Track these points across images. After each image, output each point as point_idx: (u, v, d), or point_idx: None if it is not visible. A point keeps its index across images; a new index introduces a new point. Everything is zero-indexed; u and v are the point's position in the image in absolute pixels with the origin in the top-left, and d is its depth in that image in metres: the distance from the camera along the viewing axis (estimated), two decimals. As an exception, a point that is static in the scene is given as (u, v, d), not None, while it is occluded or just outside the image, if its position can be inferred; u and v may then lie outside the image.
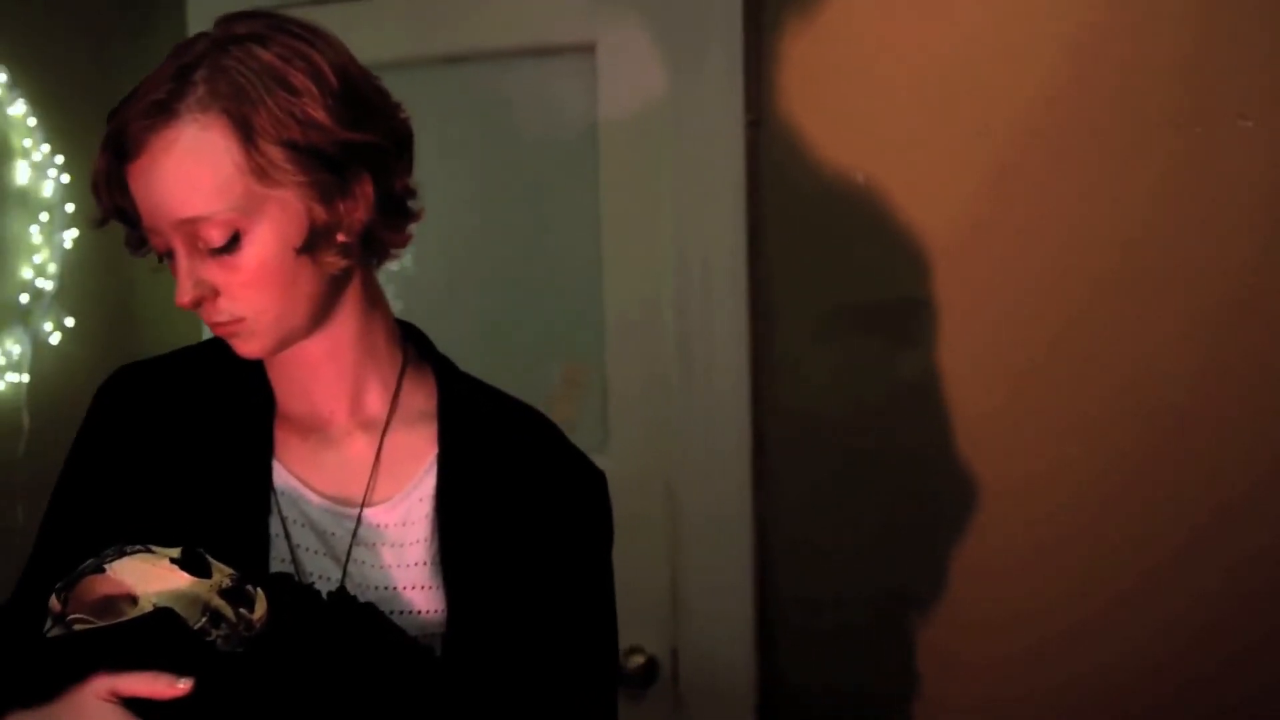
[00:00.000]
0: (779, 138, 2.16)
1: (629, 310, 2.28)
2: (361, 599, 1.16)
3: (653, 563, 2.28)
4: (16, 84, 2.41)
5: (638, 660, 2.27)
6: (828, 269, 2.15)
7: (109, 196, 1.14)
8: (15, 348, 2.35)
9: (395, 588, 1.22)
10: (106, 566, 1.07)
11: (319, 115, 1.11)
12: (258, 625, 1.08)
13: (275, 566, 1.20)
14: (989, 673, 2.07)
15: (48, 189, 2.47)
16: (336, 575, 1.21)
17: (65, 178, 2.50)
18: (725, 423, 2.20)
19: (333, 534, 1.23)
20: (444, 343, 2.30)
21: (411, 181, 1.25)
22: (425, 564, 1.23)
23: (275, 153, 1.10)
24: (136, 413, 1.26)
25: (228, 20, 1.17)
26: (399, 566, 1.23)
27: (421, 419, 1.28)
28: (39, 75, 2.46)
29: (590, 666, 1.25)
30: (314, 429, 1.26)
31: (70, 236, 2.51)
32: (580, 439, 2.28)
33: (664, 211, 2.23)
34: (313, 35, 1.16)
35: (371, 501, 1.24)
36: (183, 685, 1.01)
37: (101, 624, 1.03)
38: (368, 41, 2.41)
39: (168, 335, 2.60)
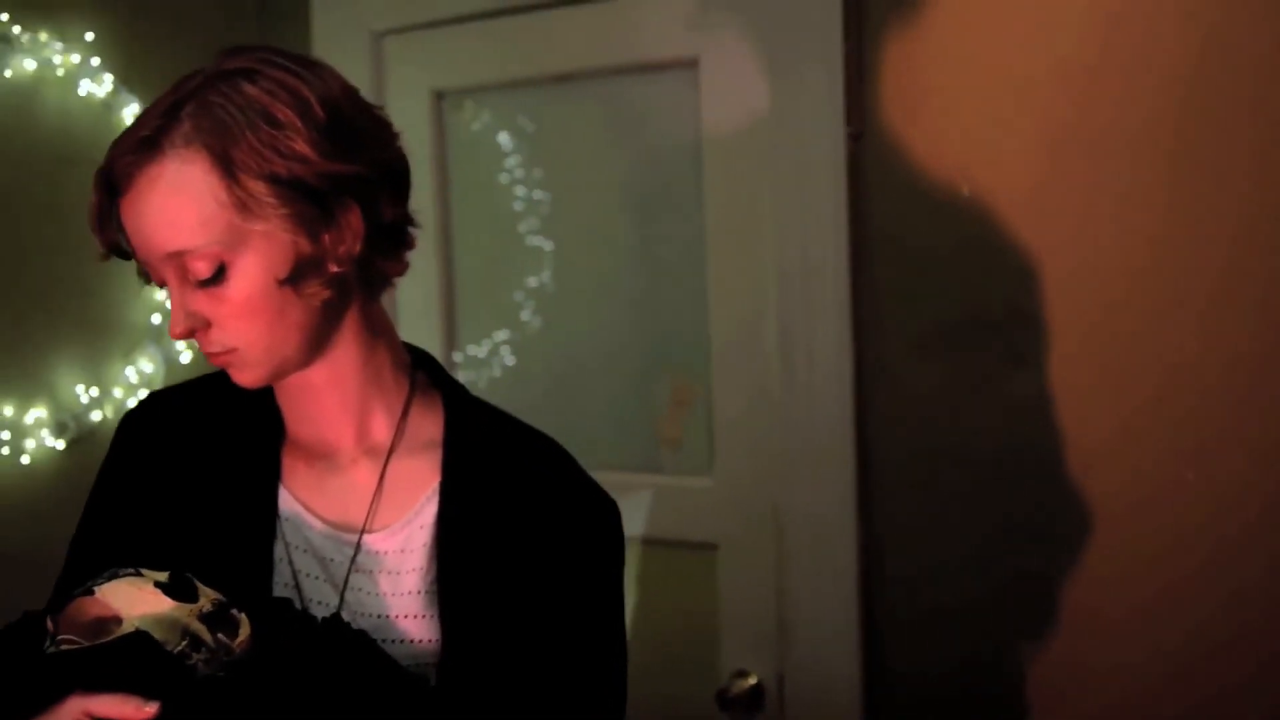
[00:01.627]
0: (881, 149, 2.10)
1: (733, 327, 2.25)
2: (356, 626, 1.16)
3: (759, 585, 2.24)
4: (130, 88, 2.49)
5: (744, 684, 2.24)
6: (932, 283, 2.08)
7: (104, 231, 1.17)
8: (148, 366, 2.44)
9: (390, 616, 1.22)
10: (96, 589, 1.09)
11: (302, 148, 1.12)
12: (238, 650, 1.09)
13: (279, 591, 1.22)
14: (1098, 695, 1.97)
15: (180, 214, 2.55)
16: (335, 601, 1.21)
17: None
18: (829, 443, 2.15)
19: (333, 560, 1.24)
20: (555, 360, 2.32)
21: (411, 210, 1.25)
22: (420, 593, 1.23)
23: (257, 186, 1.11)
24: (155, 439, 1.31)
25: (223, 55, 1.18)
26: (394, 595, 1.23)
27: (427, 447, 1.28)
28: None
29: (587, 700, 1.22)
30: (321, 455, 1.28)
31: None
32: (685, 460, 2.30)
33: (766, 227, 2.19)
34: (305, 69, 1.17)
35: (372, 528, 1.25)
36: (149, 709, 1.02)
37: (85, 645, 1.06)
38: (478, 63, 2.47)
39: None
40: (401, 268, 1.26)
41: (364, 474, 1.27)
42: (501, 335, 2.56)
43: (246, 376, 1.20)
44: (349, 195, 1.15)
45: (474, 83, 2.52)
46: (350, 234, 1.16)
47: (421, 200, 2.51)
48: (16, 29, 2.30)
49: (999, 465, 2.04)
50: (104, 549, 1.26)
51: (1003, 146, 2.01)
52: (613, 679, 1.25)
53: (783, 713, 2.23)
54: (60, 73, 2.35)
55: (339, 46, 2.60)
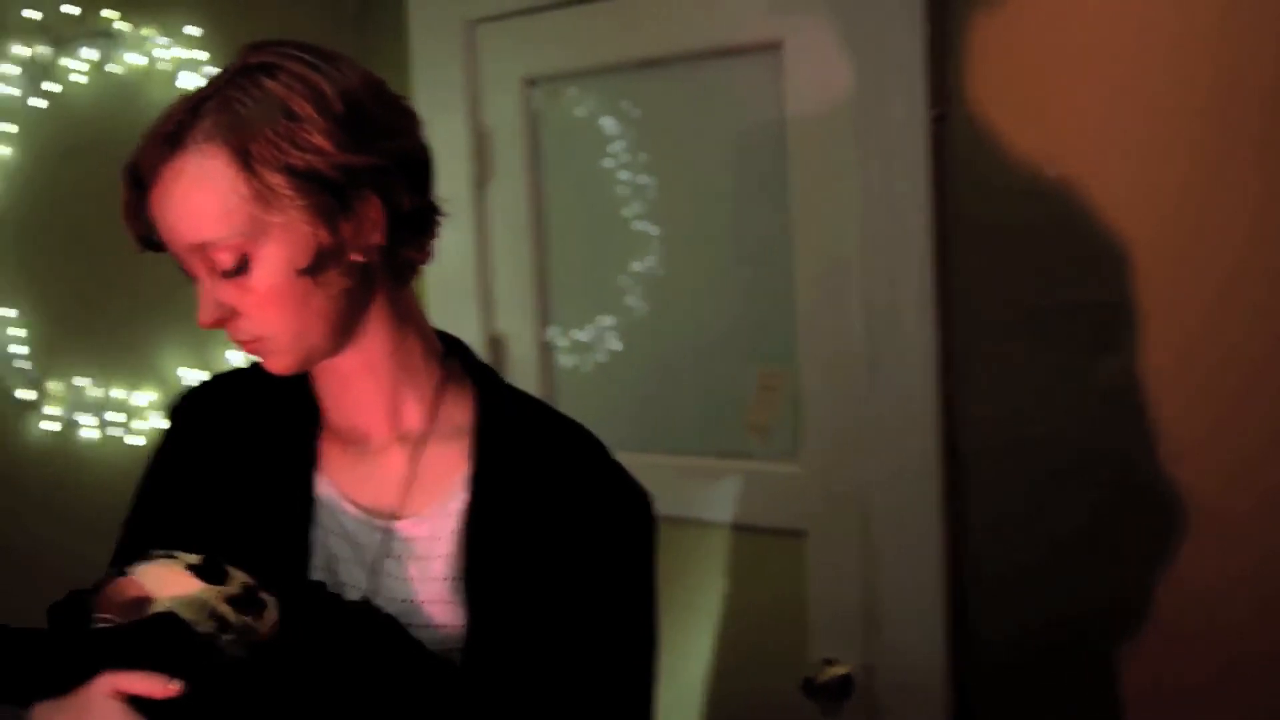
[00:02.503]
0: (966, 131, 2.05)
1: (818, 313, 2.23)
2: (386, 610, 1.19)
3: (846, 573, 2.22)
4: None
5: (832, 673, 2.22)
6: (1019, 269, 2.03)
7: (134, 224, 1.21)
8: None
9: (417, 601, 1.24)
10: (130, 570, 1.13)
11: (318, 140, 1.14)
12: (264, 632, 1.12)
13: (314, 574, 1.25)
14: (1192, 694, 1.91)
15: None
16: (366, 585, 1.24)
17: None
18: (914, 430, 2.11)
19: (365, 545, 1.26)
20: (654, 345, 2.32)
21: (435, 199, 1.26)
22: (448, 579, 1.24)
23: (275, 178, 1.14)
24: (201, 425, 1.35)
25: (246, 51, 1.21)
26: (422, 580, 1.25)
27: (458, 434, 1.29)
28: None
29: (614, 689, 1.22)
30: (355, 442, 1.30)
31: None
32: (772, 447, 2.28)
33: (850, 211, 2.16)
34: (325, 62, 1.19)
35: (403, 515, 1.27)
36: (173, 686, 1.06)
37: (117, 623, 1.10)
38: (566, 49, 2.48)
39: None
40: (426, 256, 1.27)
41: (396, 460, 1.29)
42: (606, 320, 2.57)
43: (276, 364, 1.23)
44: (367, 186, 1.17)
45: (562, 69, 2.53)
46: (369, 224, 1.18)
47: (513, 185, 2.55)
48: (124, 25, 2.38)
49: (1087, 453, 1.99)
50: (151, 530, 1.31)
51: (1093, 128, 1.95)
52: (640, 668, 1.25)
53: (871, 702, 2.21)
54: (165, 67, 2.43)
55: (434, 35, 2.64)
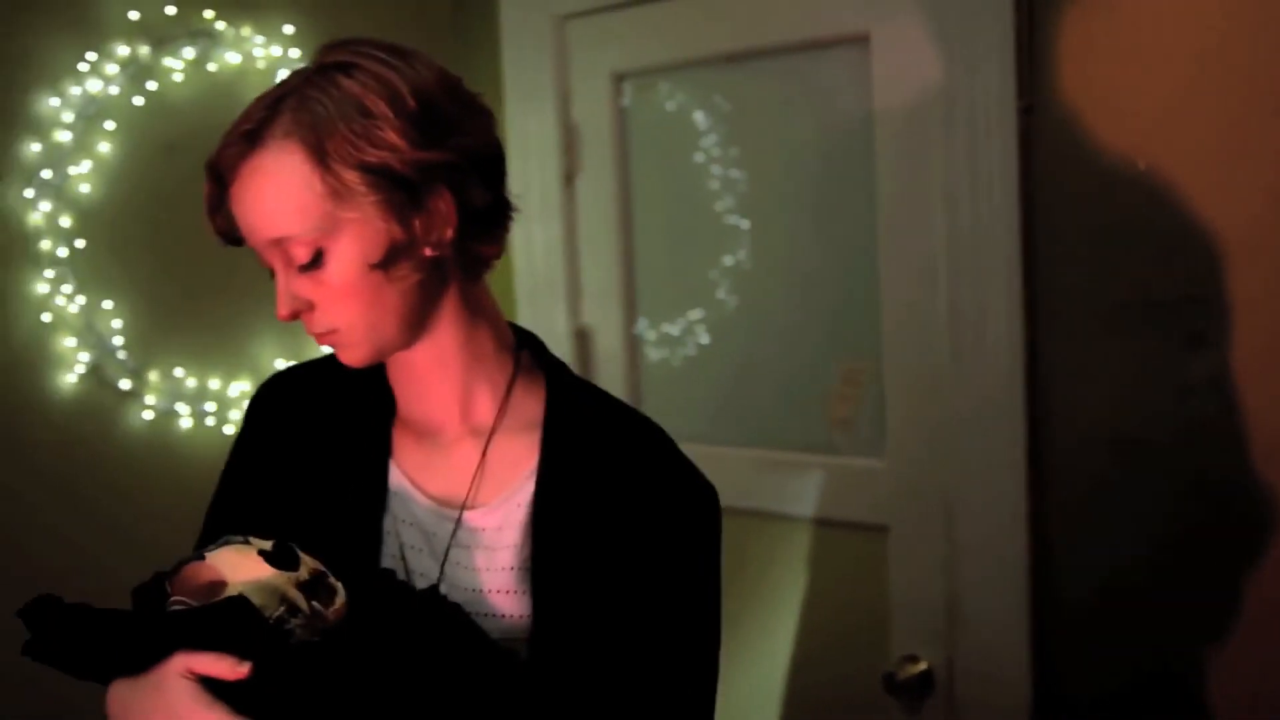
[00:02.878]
0: (1054, 124, 2.02)
1: (903, 308, 2.21)
2: (453, 599, 1.21)
3: (929, 569, 2.20)
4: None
5: (914, 669, 2.21)
6: (1107, 263, 1.99)
7: (215, 219, 1.24)
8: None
9: (484, 590, 1.26)
10: (206, 554, 1.17)
11: (391, 137, 1.16)
12: (332, 618, 1.15)
13: (386, 562, 1.28)
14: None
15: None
16: (436, 574, 1.26)
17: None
18: (999, 426, 2.09)
19: (435, 534, 1.29)
20: (743, 339, 2.33)
21: (507, 194, 1.28)
22: (514, 569, 1.26)
23: (349, 175, 1.16)
24: (279, 414, 1.39)
25: (323, 50, 1.23)
26: (489, 570, 1.26)
27: (528, 427, 1.31)
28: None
29: (675, 680, 1.23)
30: (428, 433, 1.33)
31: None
32: (856, 442, 2.28)
33: (937, 204, 2.14)
34: (400, 59, 1.21)
35: (472, 505, 1.29)
36: (242, 668, 1.09)
37: (192, 606, 1.14)
38: (654, 44, 2.49)
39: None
40: (498, 251, 1.29)
41: (467, 452, 1.31)
42: (694, 314, 2.58)
43: (350, 356, 1.26)
44: (439, 182, 1.19)
45: (650, 64, 2.54)
46: (440, 219, 1.20)
47: (602, 179, 2.57)
48: (221, 24, 2.44)
49: (1176, 451, 1.95)
50: (231, 516, 1.35)
51: (1183, 121, 1.91)
52: (702, 660, 1.26)
53: (951, 699, 2.19)
54: (261, 65, 2.49)
55: (524, 31, 2.66)
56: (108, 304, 2.31)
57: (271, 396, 1.41)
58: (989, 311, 2.09)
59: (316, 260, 1.19)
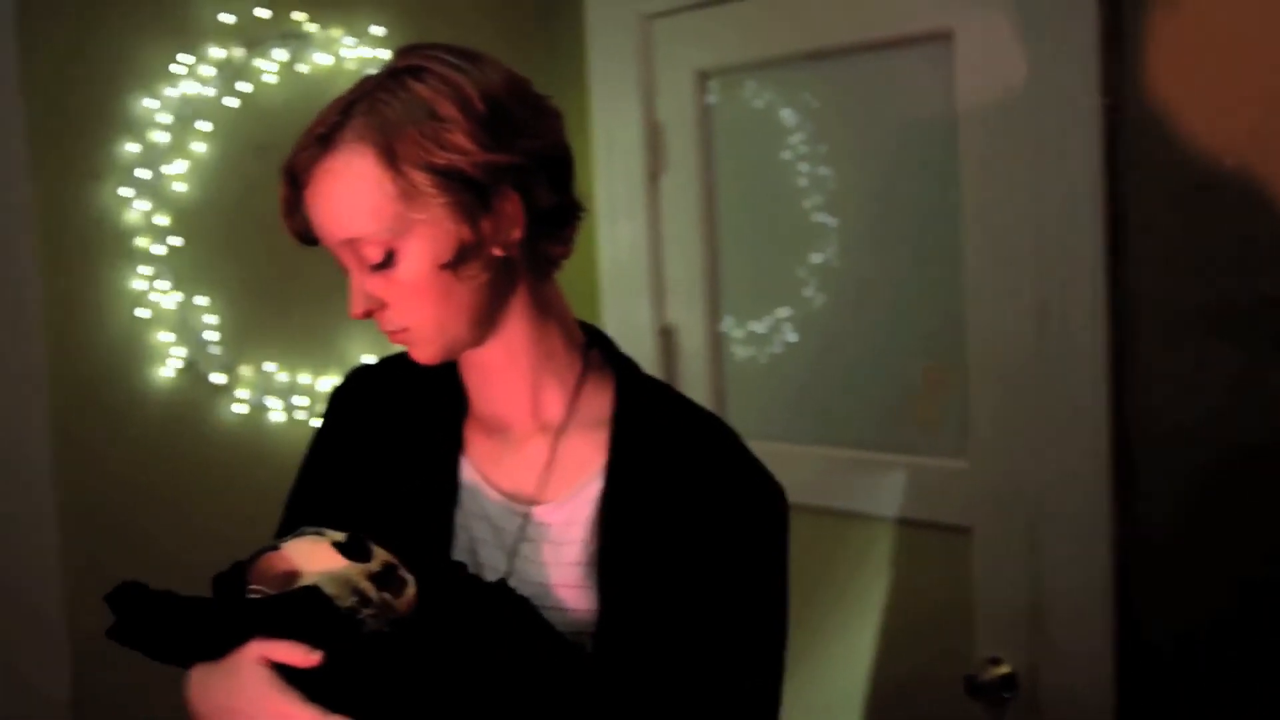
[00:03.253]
0: (1140, 122, 1.99)
1: (987, 307, 2.19)
2: (521, 592, 1.23)
3: (1012, 571, 2.18)
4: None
5: (996, 672, 2.19)
6: (1195, 265, 1.96)
7: (291, 220, 1.27)
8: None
9: (550, 584, 1.28)
10: (281, 545, 1.20)
11: (460, 140, 1.18)
12: (402, 609, 1.17)
13: (457, 555, 1.31)
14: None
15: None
16: (504, 567, 1.28)
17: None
18: (1083, 429, 2.06)
19: (504, 529, 1.31)
20: (815, 339, 2.31)
21: (575, 195, 1.29)
22: (580, 564, 1.28)
23: (419, 177, 1.19)
24: (357, 409, 1.42)
25: (396, 55, 1.26)
26: (556, 564, 1.28)
27: (597, 424, 1.33)
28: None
29: (740, 678, 1.23)
30: (499, 429, 1.35)
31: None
32: (939, 443, 2.27)
33: (1021, 203, 2.12)
34: (469, 63, 1.23)
35: (541, 500, 1.31)
36: (314, 657, 1.12)
37: (267, 595, 1.17)
38: (737, 43, 2.49)
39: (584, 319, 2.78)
40: (566, 250, 1.31)
41: (537, 449, 1.33)
42: (781, 312, 2.57)
43: (420, 353, 1.28)
44: (506, 183, 1.21)
45: (735, 62, 2.54)
46: (508, 220, 1.22)
47: (686, 178, 2.57)
48: (312, 27, 2.49)
49: (1262, 453, 1.91)
50: (309, 507, 1.39)
51: (1272, 116, 1.87)
52: (767, 658, 1.26)
53: (1034, 703, 2.17)
54: (351, 66, 2.53)
55: (611, 30, 2.68)
56: (201, 300, 2.37)
57: (352, 391, 1.44)
58: (1073, 312, 2.06)
59: (388, 260, 1.22)
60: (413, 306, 1.24)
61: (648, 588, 1.24)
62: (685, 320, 2.66)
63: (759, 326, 2.60)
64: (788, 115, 2.50)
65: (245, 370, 2.43)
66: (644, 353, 2.69)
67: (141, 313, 2.32)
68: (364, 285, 1.25)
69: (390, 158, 1.19)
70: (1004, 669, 2.19)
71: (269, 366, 2.45)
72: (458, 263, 1.22)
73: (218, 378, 2.40)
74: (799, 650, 2.50)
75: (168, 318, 2.34)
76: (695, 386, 2.65)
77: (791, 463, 2.49)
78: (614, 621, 1.24)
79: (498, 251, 1.23)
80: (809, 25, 2.41)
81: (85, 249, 2.28)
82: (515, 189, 1.22)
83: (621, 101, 2.68)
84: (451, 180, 1.19)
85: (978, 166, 2.19)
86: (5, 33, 2.17)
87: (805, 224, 2.49)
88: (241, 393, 2.41)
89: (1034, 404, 2.13)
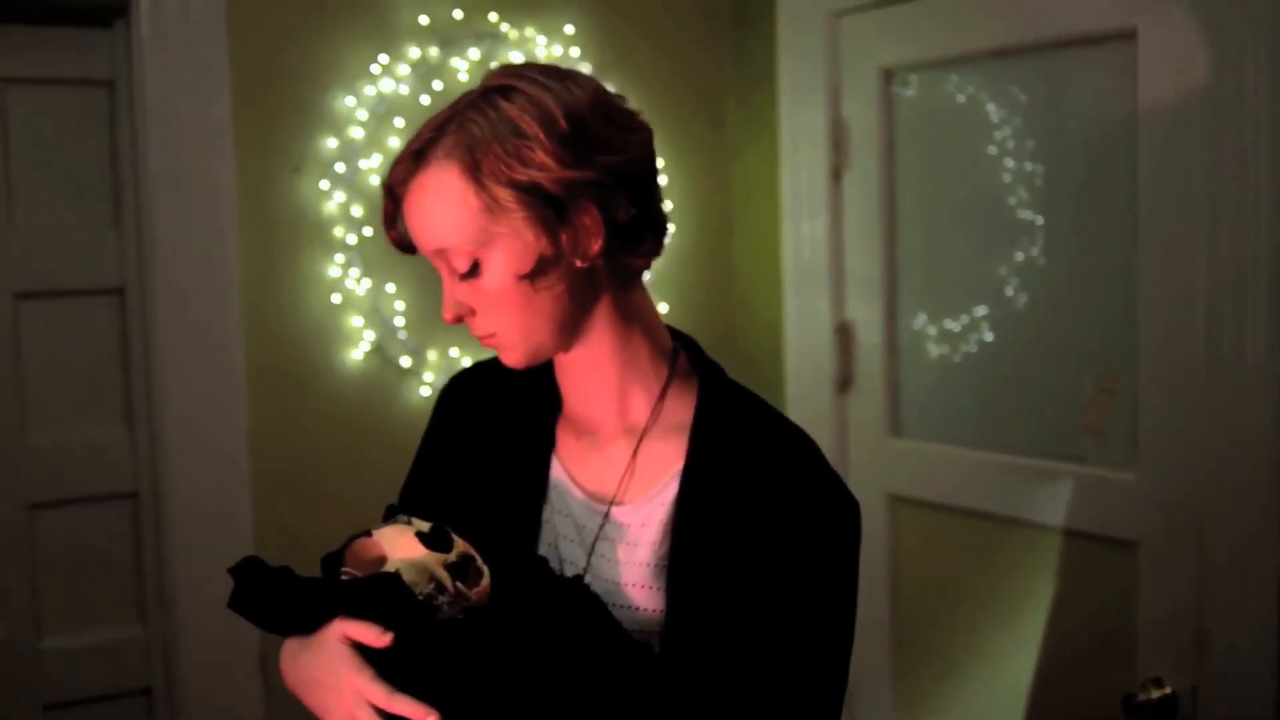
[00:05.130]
0: (1325, 127, 1.89)
1: (1162, 315, 2.12)
2: (595, 589, 1.28)
3: (1177, 591, 2.11)
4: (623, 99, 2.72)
5: (1156, 694, 2.12)
6: (1379, 278, 1.85)
7: (391, 230, 1.35)
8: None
9: (622, 583, 1.33)
10: (373, 532, 1.28)
11: (541, 157, 1.24)
12: (474, 599, 1.24)
13: (542, 549, 1.38)
14: None
15: (650, 189, 2.77)
16: (583, 563, 1.34)
17: (663, 179, 2.79)
18: (1254, 446, 1.98)
19: (585, 526, 1.36)
20: (986, 342, 2.27)
21: (658, 208, 1.33)
22: (651, 565, 1.32)
23: (502, 192, 1.25)
24: (462, 407, 1.50)
25: (489, 74, 1.32)
26: (629, 564, 1.33)
27: (678, 430, 1.36)
28: (641, 91, 2.76)
29: (801, 687, 1.25)
30: (588, 431, 1.40)
31: (668, 231, 2.80)
32: (1107, 452, 2.21)
33: (1200, 209, 2.04)
34: (557, 81, 1.28)
35: (620, 501, 1.35)
36: (386, 638, 1.20)
37: (354, 577, 1.26)
38: (921, 41, 2.47)
39: (761, 316, 2.83)
40: (647, 262, 1.35)
41: (620, 451, 1.38)
42: (978, 311, 2.54)
43: (508, 358, 1.35)
44: (586, 198, 1.26)
45: (918, 60, 2.52)
46: (587, 233, 1.27)
47: (869, 175, 2.57)
48: (505, 26, 2.59)
49: None
50: (415, 497, 1.48)
51: None
52: (829, 669, 1.27)
53: (1195, 727, 2.10)
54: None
55: (800, 27, 2.69)
56: (391, 288, 2.51)
57: (456, 390, 1.52)
58: (1249, 325, 1.98)
59: (474, 270, 1.29)
60: (497, 314, 1.31)
61: (714, 591, 1.27)
62: (864, 317, 2.66)
63: (931, 328, 2.57)
64: (971, 113, 2.46)
65: (431, 354, 2.55)
66: (822, 348, 2.70)
67: (335, 298, 2.47)
68: (454, 293, 1.32)
69: (475, 173, 1.25)
70: (1165, 691, 2.12)
71: (453, 351, 2.57)
72: (537, 274, 1.28)
73: (405, 361, 2.53)
74: (951, 650, 2.49)
75: (359, 303, 2.49)
76: (870, 383, 2.64)
77: (956, 465, 2.49)
78: (679, 623, 1.27)
79: (578, 263, 1.28)
80: (993, 23, 2.37)
81: (285, 237, 2.44)
82: (594, 203, 1.27)
83: (808, 99, 2.69)
84: (532, 195, 1.25)
85: (1156, 168, 2.12)
86: (216, 33, 2.35)
87: (988, 224, 2.45)
88: (427, 376, 2.54)
89: (1205, 418, 2.05)
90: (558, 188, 1.25)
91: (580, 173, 1.25)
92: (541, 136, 1.24)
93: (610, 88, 2.62)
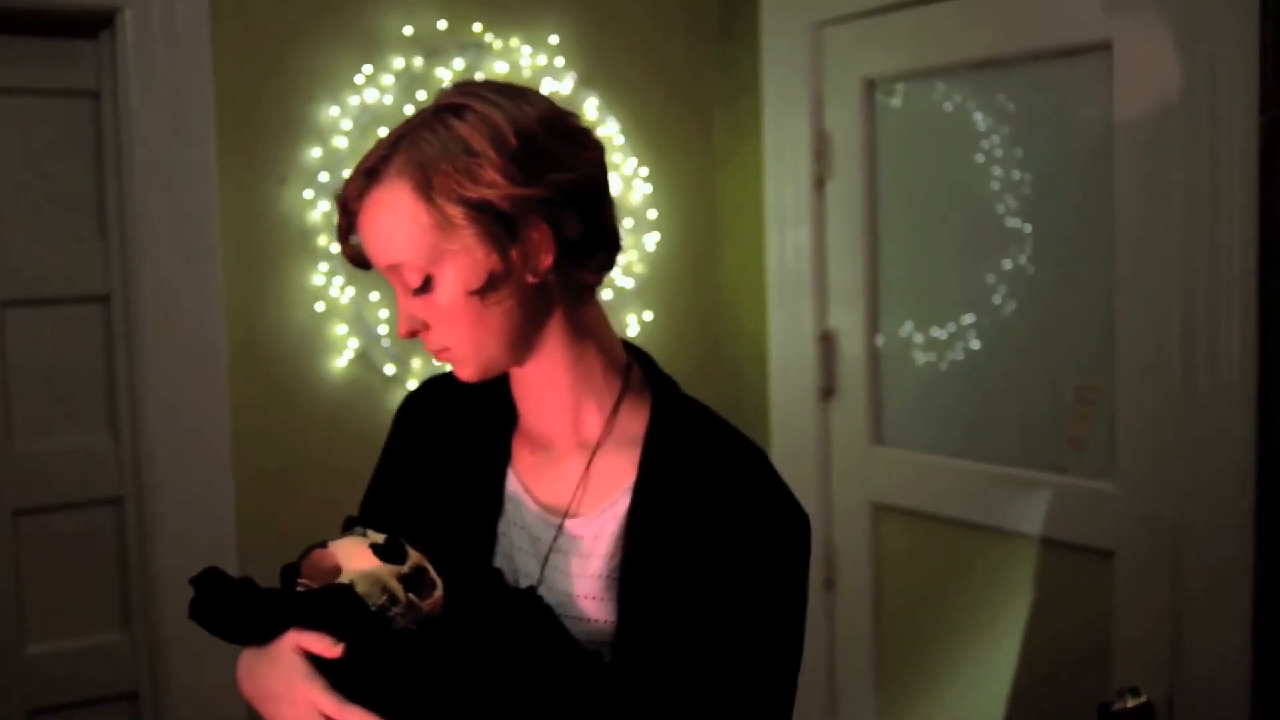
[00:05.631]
0: (1297, 137, 1.90)
1: (1137, 325, 2.13)
2: (548, 600, 1.29)
3: (1153, 600, 2.13)
4: (609, 108, 2.75)
5: (1132, 703, 2.13)
6: (1350, 289, 1.86)
7: (345, 245, 1.36)
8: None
9: (574, 595, 1.34)
10: (329, 543, 1.30)
11: (491, 175, 1.25)
12: (426, 610, 1.25)
13: (498, 561, 1.39)
14: None
15: (635, 197, 2.78)
16: (537, 575, 1.35)
17: (648, 188, 2.80)
18: (1230, 457, 1.99)
19: (539, 539, 1.38)
20: (965, 351, 2.28)
21: (608, 224, 1.34)
22: (603, 576, 1.33)
23: (453, 209, 1.26)
24: (419, 419, 1.52)
25: (441, 93, 1.34)
26: (581, 576, 1.34)
27: (631, 443, 1.37)
28: (626, 101, 2.78)
29: (748, 696, 1.26)
30: (543, 445, 1.42)
31: (653, 240, 2.82)
32: (1086, 463, 2.21)
33: (1175, 219, 2.05)
34: (507, 99, 1.30)
35: (574, 514, 1.37)
36: (337, 649, 1.22)
37: (308, 588, 1.27)
38: (900, 51, 2.48)
39: (745, 324, 2.84)
40: (598, 278, 1.36)
41: (574, 464, 1.39)
42: (967, 319, 2.54)
43: (462, 371, 1.36)
44: (535, 214, 1.27)
45: (899, 70, 2.53)
46: (536, 249, 1.28)
47: (850, 184, 2.58)
48: (489, 36, 2.61)
49: None
50: (373, 508, 1.49)
51: None
52: (777, 681, 1.28)
53: (1171, 736, 2.11)
54: (528, 73, 2.64)
55: (783, 37, 2.71)
56: (374, 296, 2.53)
57: (414, 404, 1.54)
58: (1224, 336, 1.99)
59: (426, 285, 1.30)
60: (450, 328, 1.32)
61: (664, 603, 1.28)
62: (847, 325, 2.67)
63: (918, 336, 2.58)
64: (951, 122, 2.47)
65: (415, 362, 2.57)
66: (805, 356, 2.71)
67: (319, 306, 2.49)
68: (408, 307, 1.33)
69: (427, 190, 1.27)
70: (1141, 700, 2.12)
71: (436, 360, 2.57)
72: (488, 289, 1.29)
73: (389, 369, 2.55)
74: (932, 658, 2.50)
75: (343, 311, 2.51)
76: (853, 392, 2.65)
77: (938, 474, 2.50)
78: (629, 634, 1.29)
79: (529, 278, 1.30)
80: (973, 35, 2.39)
81: (270, 246, 2.46)
82: (544, 219, 1.28)
83: (791, 109, 2.70)
84: (482, 212, 1.26)
85: (1132, 180, 2.13)
86: (201, 44, 2.36)
87: (979, 230, 2.45)
88: (410, 383, 2.56)
89: (1181, 428, 2.07)
90: (508, 204, 1.26)
91: (530, 190, 1.26)
92: (491, 154, 1.26)
93: (594, 98, 2.68)
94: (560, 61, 2.67)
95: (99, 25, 2.37)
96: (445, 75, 2.56)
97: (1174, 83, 2.04)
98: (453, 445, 1.46)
